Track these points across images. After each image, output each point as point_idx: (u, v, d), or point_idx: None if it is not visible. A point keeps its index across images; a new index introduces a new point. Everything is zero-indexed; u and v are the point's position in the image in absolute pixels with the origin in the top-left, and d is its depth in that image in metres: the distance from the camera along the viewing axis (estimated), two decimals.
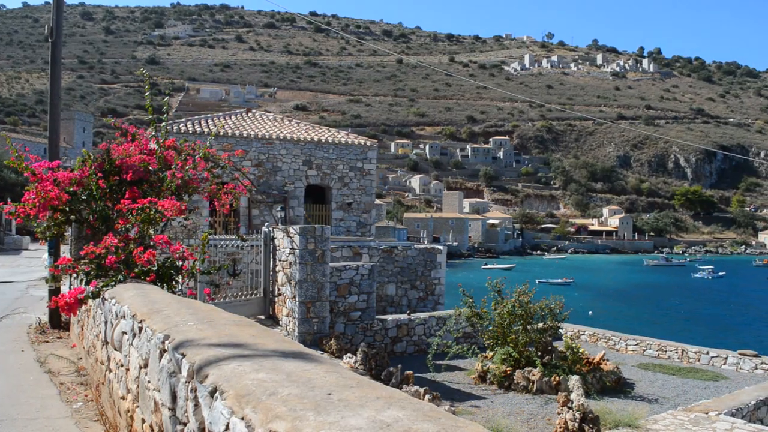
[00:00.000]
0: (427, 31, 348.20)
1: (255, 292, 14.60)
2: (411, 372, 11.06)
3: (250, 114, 26.64)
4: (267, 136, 22.82)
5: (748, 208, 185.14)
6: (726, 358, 15.42)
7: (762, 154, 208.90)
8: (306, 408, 1.96)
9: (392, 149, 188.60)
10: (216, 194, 8.16)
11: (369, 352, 12.10)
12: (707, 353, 15.86)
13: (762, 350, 16.09)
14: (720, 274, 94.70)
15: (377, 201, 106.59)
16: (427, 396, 9.76)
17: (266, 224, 16.76)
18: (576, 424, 7.89)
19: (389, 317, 15.90)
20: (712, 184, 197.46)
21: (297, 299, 13.27)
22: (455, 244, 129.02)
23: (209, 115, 26.89)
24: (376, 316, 15.47)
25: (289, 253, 13.61)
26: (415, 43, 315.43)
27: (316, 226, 13.76)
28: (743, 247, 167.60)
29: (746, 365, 14.98)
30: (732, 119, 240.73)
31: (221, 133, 21.95)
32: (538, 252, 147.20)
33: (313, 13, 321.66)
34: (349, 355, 12.46)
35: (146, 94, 8.30)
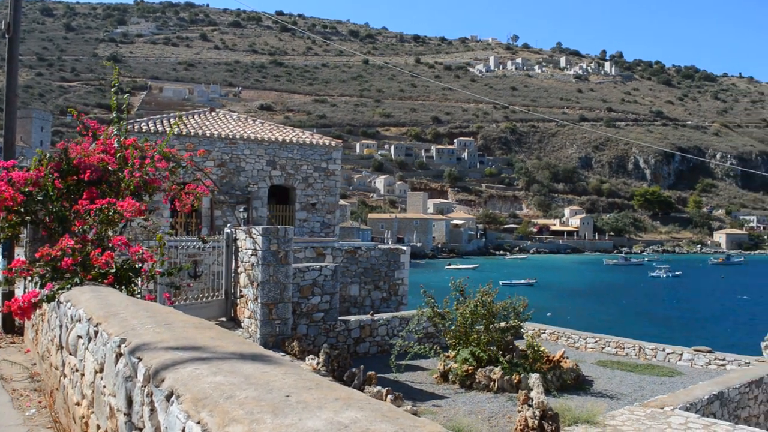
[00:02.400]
0: (393, 31, 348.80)
1: (216, 294, 14.47)
2: (373, 373, 11.09)
3: (213, 113, 26.38)
4: (230, 136, 22.62)
5: (704, 209, 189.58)
6: (681, 355, 15.78)
7: (718, 156, 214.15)
8: (263, 410, 1.97)
9: (357, 150, 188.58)
10: (177, 195, 8.07)
11: (331, 353, 12.09)
12: (663, 350, 16.20)
13: (715, 346, 16.49)
14: (676, 273, 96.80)
15: (342, 202, 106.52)
16: (389, 396, 9.79)
17: (228, 225, 16.64)
18: (536, 422, 8.00)
19: (352, 318, 15.91)
20: (670, 185, 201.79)
21: (259, 301, 13.20)
22: (419, 244, 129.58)
23: (172, 114, 26.54)
24: (339, 317, 15.45)
25: (252, 255, 13.53)
26: (381, 43, 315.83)
27: (279, 226, 13.70)
28: (699, 246, 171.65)
29: (700, 361, 15.35)
30: (690, 122, 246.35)
31: (184, 133, 21.70)
32: (501, 252, 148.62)
33: (280, 13, 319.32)
34: (311, 356, 12.43)
35: (113, 88, 8.18)
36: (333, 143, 24.72)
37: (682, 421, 9.48)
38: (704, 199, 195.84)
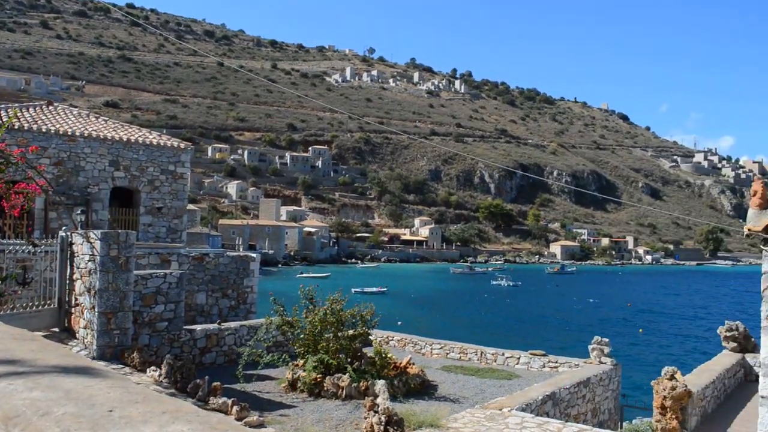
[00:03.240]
0: (250, 35, 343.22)
1: (49, 302, 13.40)
2: (219, 383, 10.73)
3: (51, 107, 24.52)
4: (69, 133, 21.13)
5: (541, 222, 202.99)
6: (519, 358, 16.69)
7: (555, 174, 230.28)
8: (82, 428, 1.81)
9: (209, 153, 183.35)
10: (5, 194, 7.38)
11: (175, 364, 11.57)
12: (503, 354, 17.05)
13: (549, 350, 17.59)
14: (517, 283, 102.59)
15: (191, 206, 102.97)
16: (235, 407, 9.51)
17: (64, 228, 15.50)
18: (382, 427, 8.10)
19: (198, 327, 15.36)
20: (512, 199, 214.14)
21: (96, 310, 12.38)
22: (271, 251, 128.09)
23: (4, 106, 24.37)
24: (185, 326, 14.86)
25: (89, 260, 12.68)
26: (237, 46, 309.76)
27: (120, 231, 12.95)
28: (537, 256, 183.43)
29: (536, 364, 16.32)
30: (530, 140, 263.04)
31: (16, 127, 19.97)
32: (353, 260, 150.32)
33: (131, 5, 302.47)
34: (153, 368, 11.83)
35: None
36: (182, 145, 23.80)
37: (519, 421, 10.00)
38: (542, 212, 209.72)
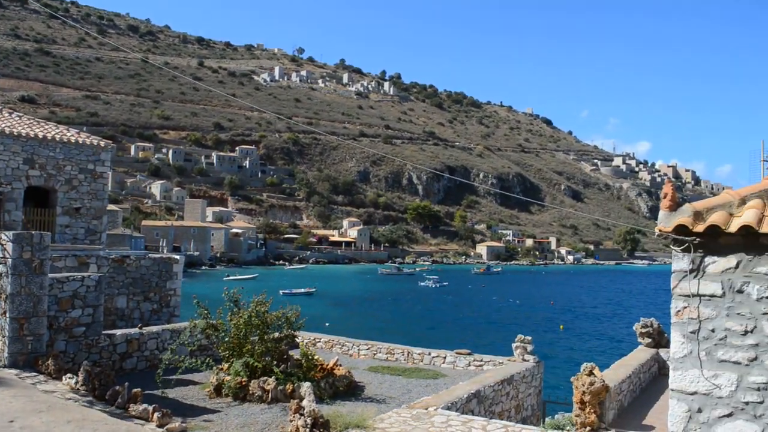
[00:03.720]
0: (176, 31, 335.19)
1: None
2: (139, 390, 10.39)
3: None
4: None
5: (468, 223, 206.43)
6: (445, 358, 16.89)
7: (481, 176, 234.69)
8: None
9: (132, 152, 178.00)
10: None
11: (92, 370, 11.14)
12: (429, 354, 17.22)
13: (475, 349, 17.87)
14: (444, 283, 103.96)
15: (112, 207, 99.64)
16: (156, 414, 9.24)
17: None
18: (307, 430, 8.04)
19: (118, 332, 14.86)
20: (440, 201, 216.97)
21: (8, 315, 11.80)
22: (197, 253, 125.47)
23: None
24: (104, 332, 14.35)
25: (0, 263, 12.08)
26: (162, 42, 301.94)
27: (34, 232, 12.39)
28: (464, 257, 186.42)
29: (461, 363, 16.55)
30: (458, 143, 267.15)
31: None
32: (281, 262, 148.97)
33: None
34: (69, 375, 11.37)
35: None
36: (102, 143, 22.97)
37: (444, 420, 10.12)
38: (469, 214, 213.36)
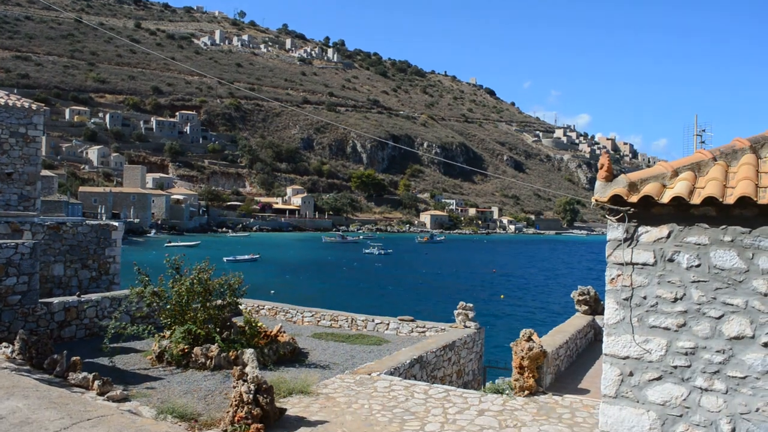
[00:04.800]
0: None
1: None
2: (78, 358, 10.22)
3: None
4: None
5: (412, 192, 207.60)
6: (388, 324, 17.11)
7: (425, 145, 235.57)
8: None
9: (67, 116, 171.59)
10: None
11: (29, 339, 10.89)
12: (373, 320, 17.41)
13: (417, 315, 18.16)
14: (388, 251, 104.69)
15: (47, 172, 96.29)
16: (96, 382, 9.12)
17: None
18: (251, 396, 8.07)
19: (56, 300, 14.51)
20: (384, 169, 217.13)
21: None
22: (137, 220, 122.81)
23: None
24: (41, 300, 14.00)
25: None
26: (97, 2, 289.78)
27: None
28: (408, 225, 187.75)
29: (404, 329, 16.80)
30: (402, 112, 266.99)
31: None
32: (224, 229, 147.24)
33: None
34: (5, 344, 11.09)
35: None
36: (34, 106, 22.07)
37: (387, 385, 10.31)
38: (413, 183, 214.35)
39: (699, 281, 5.31)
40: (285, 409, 8.70)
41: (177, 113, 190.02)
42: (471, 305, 16.55)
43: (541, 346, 10.59)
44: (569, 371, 13.16)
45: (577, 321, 15.94)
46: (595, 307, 16.95)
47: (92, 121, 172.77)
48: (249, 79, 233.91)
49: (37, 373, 9.45)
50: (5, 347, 10.90)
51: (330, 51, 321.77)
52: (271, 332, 13.45)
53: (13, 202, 20.85)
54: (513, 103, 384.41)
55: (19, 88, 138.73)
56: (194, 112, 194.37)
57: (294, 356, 13.29)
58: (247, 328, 13.04)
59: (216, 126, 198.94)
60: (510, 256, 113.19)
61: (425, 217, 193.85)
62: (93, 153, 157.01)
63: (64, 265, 17.36)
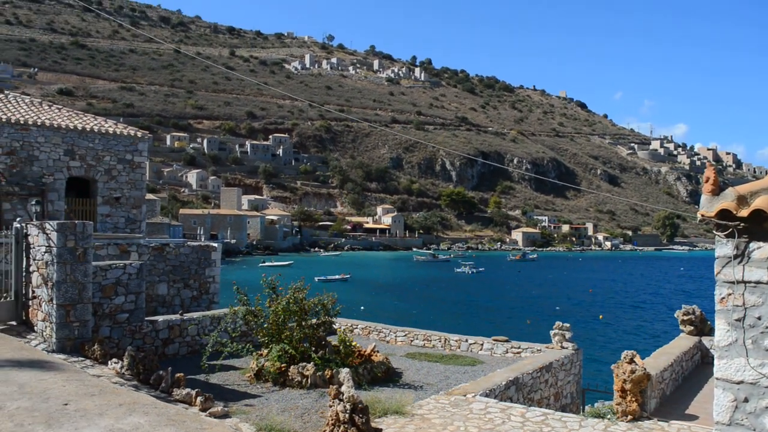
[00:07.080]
0: (207, 21, 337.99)
1: (5, 295, 13.06)
2: (182, 374, 10.59)
3: (2, 95, 23.80)
4: (22, 121, 20.55)
5: (503, 209, 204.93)
6: (482, 344, 16.83)
7: (515, 161, 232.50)
8: (36, 422, 1.76)
9: (168, 142, 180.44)
10: None
11: (137, 355, 11.39)
12: (466, 340, 17.17)
13: (512, 335, 17.77)
14: (480, 269, 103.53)
15: (150, 196, 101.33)
16: (199, 398, 9.42)
17: (19, 219, 15.10)
18: (347, 415, 8.10)
19: (160, 318, 15.14)
20: (474, 187, 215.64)
21: (54, 302, 12.10)
22: (233, 241, 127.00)
23: None
24: (146, 318, 14.64)
25: (45, 252, 12.37)
26: (194, 33, 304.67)
27: (76, 221, 12.66)
28: (499, 243, 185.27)
29: (499, 350, 16.49)
30: (491, 128, 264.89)
31: None
32: (316, 249, 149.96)
33: None
34: (114, 360, 11.64)
35: None
36: (139, 134, 23.35)
37: (483, 407, 10.11)
38: (503, 200, 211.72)
39: None
40: (380, 429, 8.67)
41: (270, 136, 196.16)
42: (568, 325, 16.06)
43: (645, 369, 10.12)
44: (675, 396, 12.51)
45: (683, 342, 15.17)
46: (702, 327, 16.09)
47: (191, 146, 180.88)
48: (338, 101, 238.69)
49: (144, 389, 9.86)
50: (115, 363, 11.44)
51: (417, 70, 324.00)
52: (365, 351, 13.51)
53: (121, 224, 22.05)
54: (605, 116, 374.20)
55: (125, 117, 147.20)
56: (286, 135, 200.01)
57: (388, 376, 13.26)
58: (341, 347, 13.14)
59: (307, 148, 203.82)
60: (607, 273, 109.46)
61: (517, 235, 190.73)
62: (192, 177, 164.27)
63: (167, 285, 18.11)
